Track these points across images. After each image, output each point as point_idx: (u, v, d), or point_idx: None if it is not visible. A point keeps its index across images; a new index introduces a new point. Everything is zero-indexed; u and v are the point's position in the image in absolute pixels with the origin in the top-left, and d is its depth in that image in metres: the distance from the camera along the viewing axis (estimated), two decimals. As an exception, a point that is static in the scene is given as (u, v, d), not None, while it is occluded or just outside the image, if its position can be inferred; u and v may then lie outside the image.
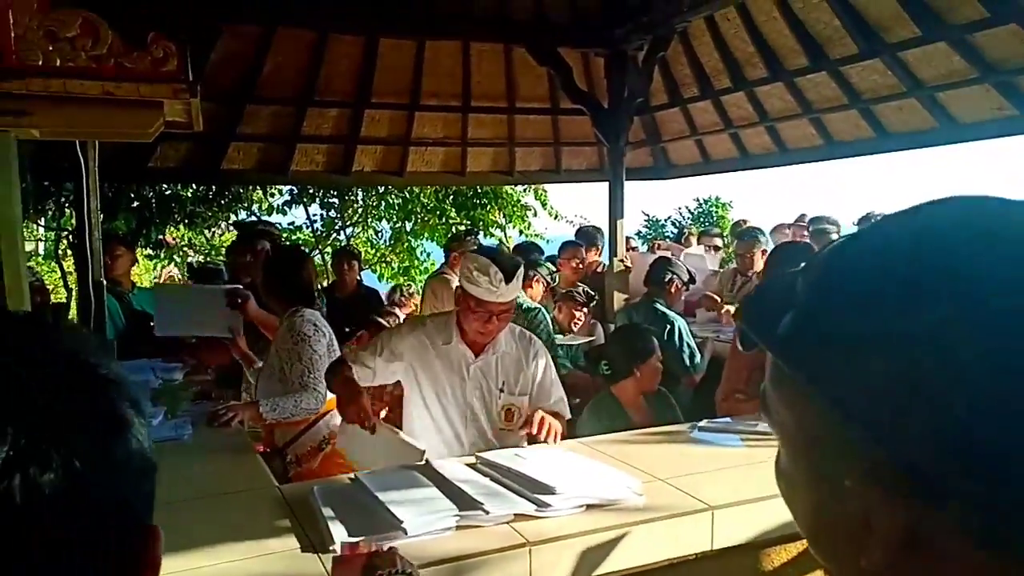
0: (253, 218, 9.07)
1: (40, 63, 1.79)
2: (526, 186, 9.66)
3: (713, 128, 6.74)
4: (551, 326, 4.40)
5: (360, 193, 9.99)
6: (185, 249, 9.96)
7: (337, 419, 2.88)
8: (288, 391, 2.78)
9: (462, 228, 8.77)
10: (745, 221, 6.90)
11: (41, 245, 10.19)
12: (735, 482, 2.08)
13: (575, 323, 4.69)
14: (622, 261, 5.88)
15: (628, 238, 6.71)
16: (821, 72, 5.42)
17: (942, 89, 4.90)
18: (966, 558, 0.41)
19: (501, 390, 2.55)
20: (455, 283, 5.23)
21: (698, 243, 7.15)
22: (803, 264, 0.51)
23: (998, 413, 0.38)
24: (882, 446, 0.42)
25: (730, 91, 6.19)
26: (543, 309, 4.37)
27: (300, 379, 2.78)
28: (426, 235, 10.04)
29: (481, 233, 9.30)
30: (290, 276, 2.99)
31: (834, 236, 5.23)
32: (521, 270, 2.49)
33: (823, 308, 0.46)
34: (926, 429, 0.40)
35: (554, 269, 5.50)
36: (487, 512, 1.81)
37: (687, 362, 4.12)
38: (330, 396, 2.86)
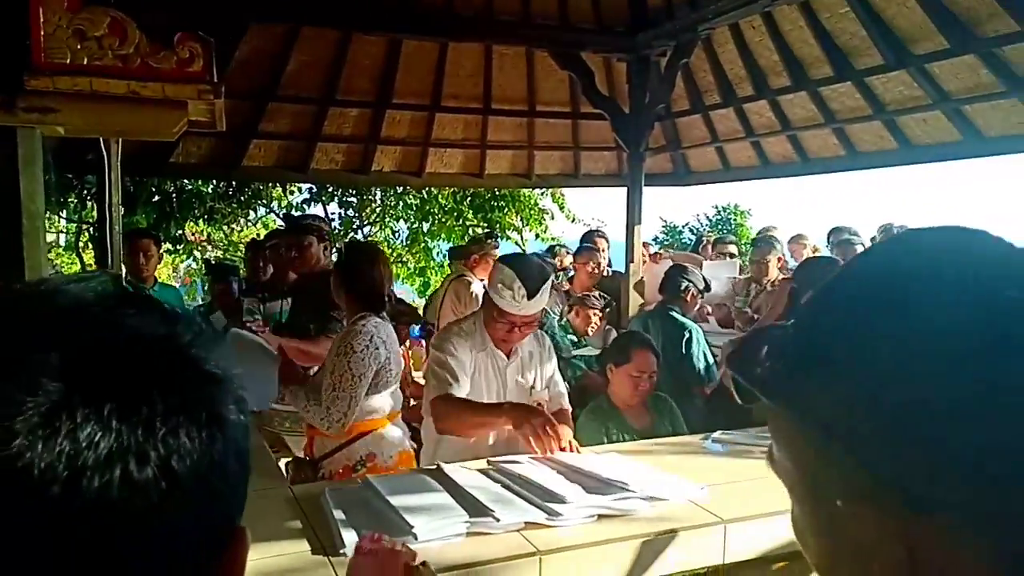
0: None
1: (68, 61, 1.80)
2: (544, 189, 9.65)
3: (734, 136, 6.69)
4: (556, 329, 4.40)
5: (378, 193, 10.03)
6: (204, 244, 10.02)
7: (377, 440, 2.74)
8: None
9: (479, 230, 8.75)
10: (773, 228, 6.26)
11: (62, 237, 10.30)
12: (748, 495, 2.07)
13: (591, 327, 4.67)
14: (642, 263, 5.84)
15: (645, 244, 6.64)
16: (846, 82, 5.36)
17: (969, 102, 4.83)
18: (965, 571, 0.42)
19: (532, 387, 2.68)
20: (475, 286, 5.25)
21: (713, 251, 6.97)
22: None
23: (970, 418, 0.40)
24: (866, 463, 0.44)
25: (753, 99, 6.14)
26: (548, 312, 4.37)
27: (326, 391, 2.58)
28: (443, 236, 10.06)
29: (498, 235, 9.29)
30: (360, 274, 2.77)
31: (858, 248, 5.16)
32: (548, 283, 2.55)
33: (806, 342, 0.49)
34: (904, 443, 0.42)
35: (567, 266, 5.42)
36: (498, 519, 1.81)
37: (701, 372, 4.09)
38: (373, 417, 2.71)
